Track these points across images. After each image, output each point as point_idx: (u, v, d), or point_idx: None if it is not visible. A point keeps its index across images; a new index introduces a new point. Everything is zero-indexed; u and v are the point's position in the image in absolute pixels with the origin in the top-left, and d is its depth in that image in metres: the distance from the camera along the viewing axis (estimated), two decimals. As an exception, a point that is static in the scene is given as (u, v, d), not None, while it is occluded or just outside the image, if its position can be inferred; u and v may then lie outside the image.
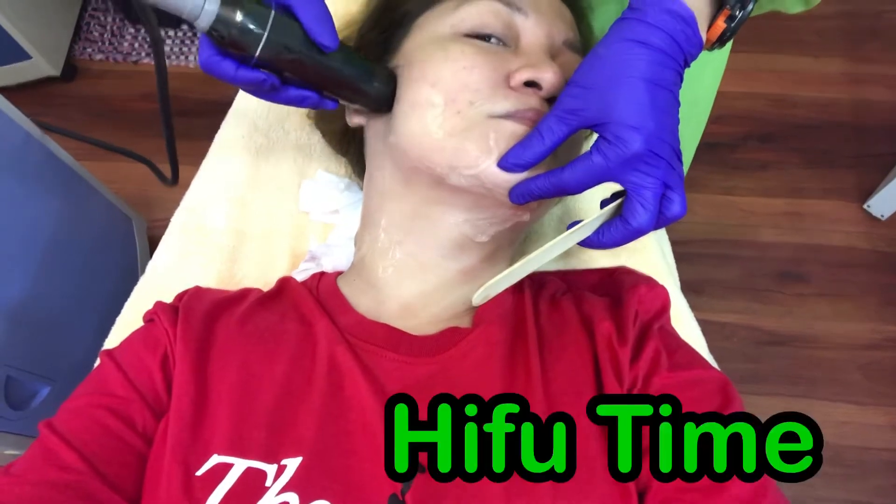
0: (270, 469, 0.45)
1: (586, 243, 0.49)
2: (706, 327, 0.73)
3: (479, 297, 0.55)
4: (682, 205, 0.46)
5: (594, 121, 0.45)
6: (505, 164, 0.49)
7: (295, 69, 0.50)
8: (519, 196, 0.50)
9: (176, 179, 0.80)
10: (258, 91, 0.52)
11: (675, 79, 0.45)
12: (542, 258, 0.52)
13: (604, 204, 0.49)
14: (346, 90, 0.54)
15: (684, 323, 0.73)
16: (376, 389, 0.50)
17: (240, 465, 0.45)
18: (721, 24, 0.47)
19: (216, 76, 0.49)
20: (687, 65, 0.46)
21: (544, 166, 0.49)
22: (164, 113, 0.66)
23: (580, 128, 0.46)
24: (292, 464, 0.45)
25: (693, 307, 0.75)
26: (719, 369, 0.53)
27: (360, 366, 0.51)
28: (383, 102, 0.55)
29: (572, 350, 0.52)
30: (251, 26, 0.46)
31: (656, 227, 0.46)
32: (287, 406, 0.50)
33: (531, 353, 0.52)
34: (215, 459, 0.46)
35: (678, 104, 0.46)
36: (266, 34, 0.46)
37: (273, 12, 0.47)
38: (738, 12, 0.46)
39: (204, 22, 0.45)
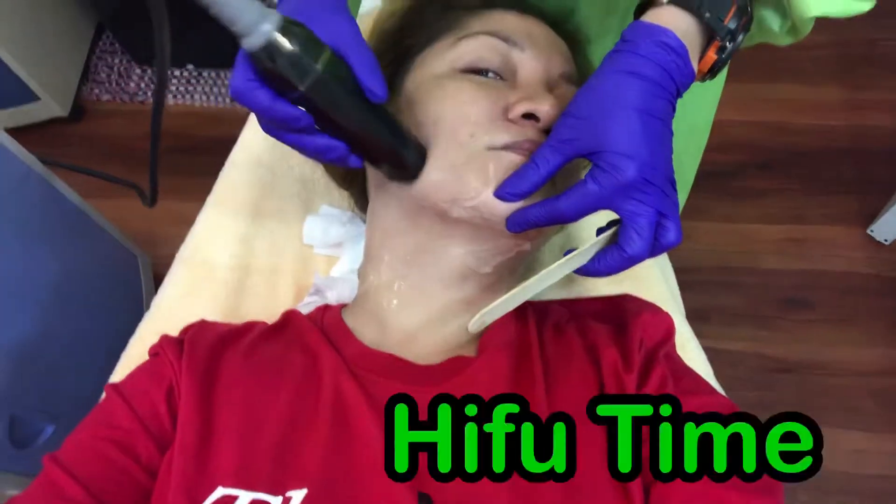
0: (276, 501, 0.45)
1: (582, 271, 0.49)
2: (713, 355, 0.73)
3: (476, 323, 0.55)
4: (678, 233, 0.46)
5: (588, 149, 0.45)
6: (501, 193, 0.50)
7: (336, 114, 0.46)
8: (515, 224, 0.50)
9: (154, 199, 0.75)
10: (285, 130, 0.46)
11: (667, 109, 0.46)
12: (538, 285, 0.52)
13: (599, 232, 0.49)
14: (378, 149, 0.50)
15: (689, 350, 0.72)
16: (381, 419, 0.50)
17: (245, 498, 0.45)
18: (712, 56, 0.48)
19: (247, 104, 0.44)
20: (679, 95, 0.47)
21: (542, 195, 0.50)
22: (155, 126, 0.60)
23: (574, 156, 0.47)
24: (298, 496, 0.45)
25: (699, 335, 0.75)
26: (726, 396, 0.53)
27: (366, 396, 0.51)
28: (410, 173, 0.53)
29: (577, 378, 0.52)
30: (304, 59, 0.42)
31: (651, 255, 0.47)
32: (292, 437, 0.49)
33: (536, 381, 0.52)
34: (220, 492, 0.46)
35: (671, 134, 0.47)
36: (318, 70, 0.43)
37: (329, 49, 0.44)
38: (728, 44, 0.47)
39: (256, 42, 0.40)
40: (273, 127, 0.47)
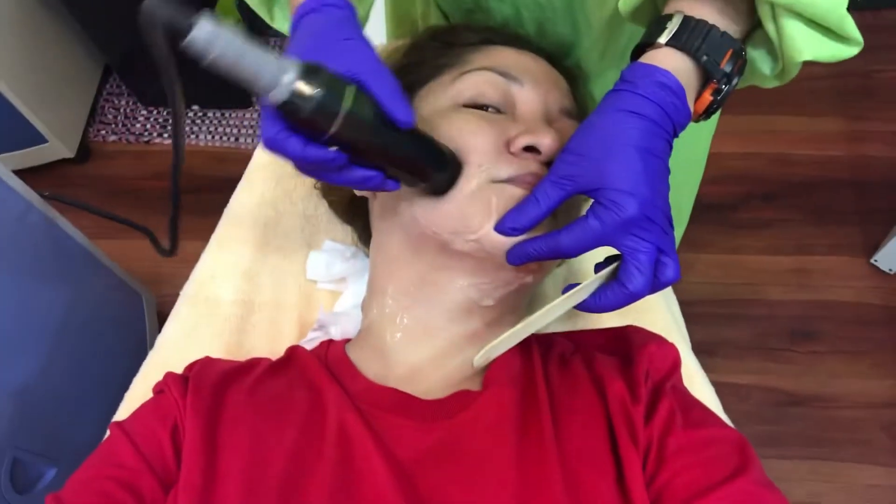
0: None
1: (583, 307, 0.49)
2: (721, 389, 0.72)
3: (480, 358, 0.55)
4: (676, 269, 0.46)
5: (589, 186, 0.46)
6: (502, 227, 0.50)
7: (368, 147, 0.46)
8: (515, 257, 0.50)
9: (174, 250, 0.75)
10: (322, 171, 0.47)
11: (665, 147, 0.46)
12: (540, 321, 0.52)
13: (598, 268, 0.49)
14: (414, 171, 0.50)
15: (697, 384, 0.71)
16: (387, 456, 0.49)
17: None
18: (708, 97, 0.49)
19: (281, 154, 0.44)
20: (676, 134, 0.48)
21: (543, 229, 0.50)
22: (175, 174, 0.59)
23: (575, 192, 0.47)
24: None
25: (706, 369, 0.74)
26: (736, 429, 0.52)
27: (371, 432, 0.51)
28: (446, 185, 0.53)
29: (584, 411, 0.52)
30: (328, 101, 0.42)
31: (651, 292, 0.47)
32: (297, 476, 0.49)
33: (543, 416, 0.51)
34: None
35: (668, 172, 0.47)
36: (345, 110, 0.42)
37: (352, 86, 0.43)
38: (724, 86, 0.48)
39: (280, 95, 0.40)
40: (310, 170, 0.47)
